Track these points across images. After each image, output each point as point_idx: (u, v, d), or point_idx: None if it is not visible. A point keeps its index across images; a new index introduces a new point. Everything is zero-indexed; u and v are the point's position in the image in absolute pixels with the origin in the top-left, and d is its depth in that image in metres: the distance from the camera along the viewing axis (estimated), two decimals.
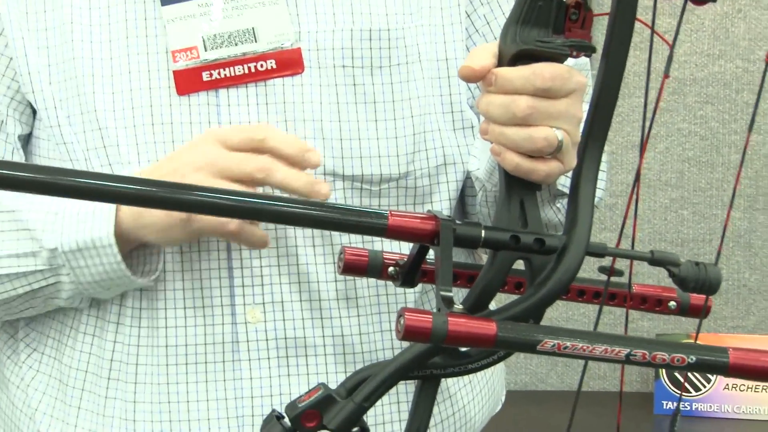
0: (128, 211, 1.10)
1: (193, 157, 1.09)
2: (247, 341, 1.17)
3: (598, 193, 1.22)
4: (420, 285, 1.00)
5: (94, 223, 1.10)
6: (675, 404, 2.35)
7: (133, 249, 1.14)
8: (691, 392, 2.36)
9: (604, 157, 1.22)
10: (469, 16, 1.23)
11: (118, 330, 1.18)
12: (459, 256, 1.29)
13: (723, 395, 2.34)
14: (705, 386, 2.37)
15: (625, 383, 2.58)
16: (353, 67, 1.17)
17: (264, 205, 0.83)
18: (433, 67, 1.20)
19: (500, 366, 1.39)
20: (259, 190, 1.10)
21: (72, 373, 1.21)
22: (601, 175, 1.22)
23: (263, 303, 1.17)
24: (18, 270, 1.14)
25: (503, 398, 1.44)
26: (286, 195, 1.08)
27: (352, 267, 0.98)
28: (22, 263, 1.14)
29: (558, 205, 1.16)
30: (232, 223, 1.07)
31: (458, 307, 0.83)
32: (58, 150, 1.17)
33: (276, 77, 1.16)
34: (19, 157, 1.19)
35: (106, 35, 1.17)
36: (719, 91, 2.50)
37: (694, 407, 2.36)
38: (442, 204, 1.22)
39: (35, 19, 1.17)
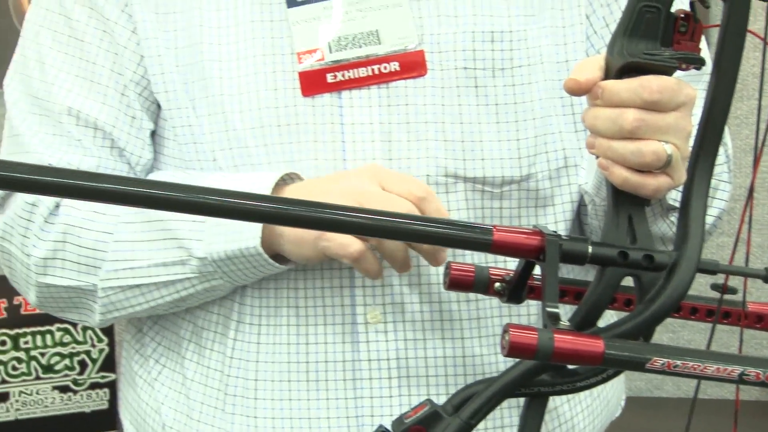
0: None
1: (345, 184, 1.10)
2: (368, 341, 1.17)
3: (721, 204, 1.20)
4: None
5: (241, 234, 1.12)
6: None
7: None
8: None
9: (724, 169, 1.20)
10: (588, 17, 1.21)
11: (239, 328, 1.20)
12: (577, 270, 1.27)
13: None
14: None
15: (744, 390, 2.52)
16: (475, 69, 1.17)
17: (369, 220, 0.83)
18: (554, 69, 1.19)
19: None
20: None
21: (194, 367, 1.23)
22: (725, 186, 1.20)
23: (383, 304, 1.17)
24: (167, 279, 1.16)
25: (623, 403, 1.41)
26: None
27: (458, 282, 0.98)
28: (171, 271, 1.16)
29: (672, 218, 1.14)
30: (353, 247, 1.08)
31: (565, 323, 0.82)
32: (185, 149, 1.19)
33: (399, 79, 1.16)
34: (149, 153, 1.21)
35: (234, 37, 1.18)
36: None
37: None
38: (564, 207, 1.21)
39: (164, 20, 1.19)
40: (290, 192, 1.12)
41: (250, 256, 1.12)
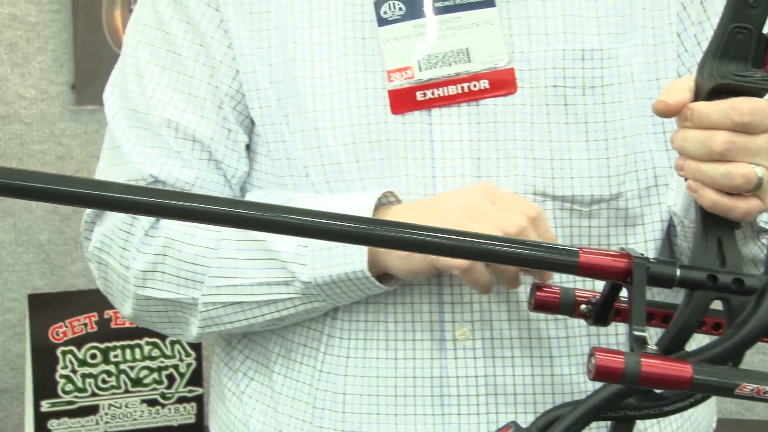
0: None
1: (455, 200, 1.11)
2: (455, 358, 1.17)
3: None
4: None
5: (346, 257, 1.13)
6: None
7: None
8: None
9: None
10: (679, 35, 1.20)
11: (329, 342, 1.20)
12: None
13: None
14: None
15: None
16: (565, 87, 1.17)
17: (456, 241, 0.83)
18: (645, 87, 1.19)
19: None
20: None
21: (283, 380, 1.24)
22: None
23: (472, 321, 1.17)
24: (269, 298, 1.17)
25: (714, 426, 1.39)
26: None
27: (543, 304, 0.98)
28: (275, 291, 1.17)
29: (763, 240, 1.12)
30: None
31: (652, 347, 0.82)
32: (277, 165, 1.20)
33: (488, 97, 1.17)
34: (244, 166, 1.23)
35: (326, 54, 1.19)
36: None
37: None
38: (654, 226, 1.20)
39: (259, 37, 1.21)
40: (397, 210, 1.14)
41: (356, 279, 1.13)
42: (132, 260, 1.21)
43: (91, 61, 2.32)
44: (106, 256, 1.23)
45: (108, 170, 1.25)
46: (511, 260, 0.86)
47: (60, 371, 2.18)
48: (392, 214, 1.13)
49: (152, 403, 2.22)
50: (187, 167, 1.21)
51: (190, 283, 1.19)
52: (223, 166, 1.22)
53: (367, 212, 1.12)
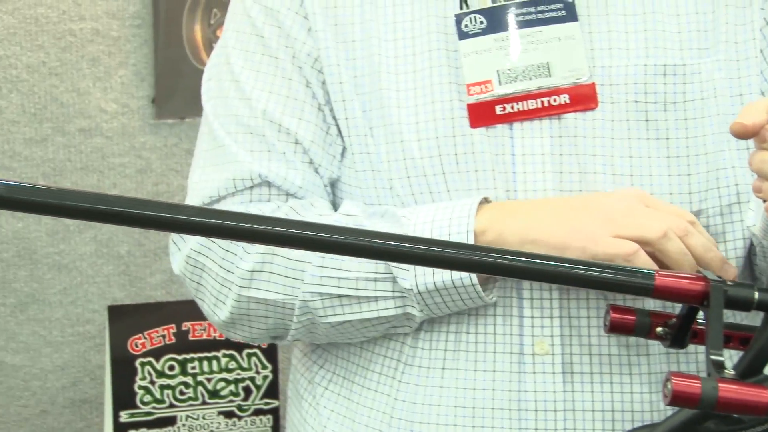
0: (486, 241, 1.12)
1: (611, 199, 1.12)
2: (534, 373, 1.16)
3: None
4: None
5: None
6: None
7: None
8: None
9: None
10: (762, 51, 1.19)
11: (410, 353, 1.20)
12: None
13: None
14: None
15: None
16: (646, 102, 1.16)
17: (528, 264, 0.83)
18: (728, 103, 1.18)
19: None
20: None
21: (360, 390, 1.24)
22: None
23: (551, 336, 1.16)
24: (372, 294, 1.17)
25: None
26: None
27: (618, 326, 0.97)
28: (379, 287, 1.16)
29: None
30: (627, 247, 1.08)
31: (729, 372, 0.81)
32: (361, 176, 1.21)
33: (569, 112, 1.16)
34: (337, 170, 1.22)
35: (411, 66, 1.19)
36: None
37: None
38: (736, 243, 1.19)
39: (344, 48, 1.21)
40: (514, 206, 1.14)
41: (461, 287, 1.13)
42: (239, 260, 1.19)
43: (171, 75, 2.35)
44: (204, 259, 1.22)
45: (209, 170, 1.24)
46: (587, 283, 0.86)
47: (138, 382, 2.21)
48: (509, 209, 1.14)
49: (229, 415, 2.24)
50: (292, 169, 1.21)
51: (296, 282, 1.18)
52: (321, 170, 1.22)
53: (472, 209, 1.13)
